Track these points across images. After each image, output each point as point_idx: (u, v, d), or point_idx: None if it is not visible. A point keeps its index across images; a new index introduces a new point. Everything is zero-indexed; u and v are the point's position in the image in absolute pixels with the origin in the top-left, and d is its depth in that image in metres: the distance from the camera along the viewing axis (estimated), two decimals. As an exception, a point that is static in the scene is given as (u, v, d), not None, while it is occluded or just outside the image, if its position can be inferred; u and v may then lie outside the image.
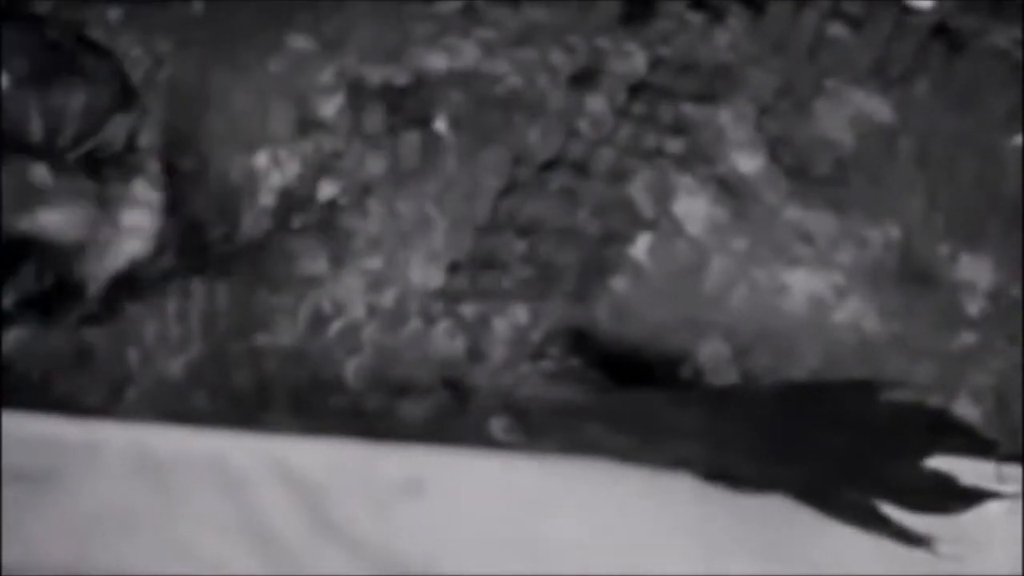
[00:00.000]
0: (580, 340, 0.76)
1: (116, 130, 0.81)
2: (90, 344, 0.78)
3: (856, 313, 0.76)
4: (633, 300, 0.76)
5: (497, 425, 0.76)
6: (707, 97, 0.78)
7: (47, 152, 0.80)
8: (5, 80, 0.82)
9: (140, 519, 0.76)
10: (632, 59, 0.78)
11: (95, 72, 0.83)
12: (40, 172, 0.77)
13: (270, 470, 0.76)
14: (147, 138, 0.80)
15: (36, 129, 0.81)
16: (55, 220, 0.77)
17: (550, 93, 0.78)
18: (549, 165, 0.77)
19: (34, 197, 0.77)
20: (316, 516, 0.75)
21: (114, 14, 0.83)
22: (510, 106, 0.78)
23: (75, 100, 0.81)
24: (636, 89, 0.78)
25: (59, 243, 0.77)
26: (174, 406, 0.77)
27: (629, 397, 0.75)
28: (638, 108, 0.78)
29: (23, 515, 0.76)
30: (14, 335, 0.79)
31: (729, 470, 0.74)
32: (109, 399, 0.78)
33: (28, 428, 0.78)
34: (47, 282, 0.79)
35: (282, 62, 0.80)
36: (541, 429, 0.76)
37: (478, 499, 0.75)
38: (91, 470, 0.76)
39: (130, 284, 0.78)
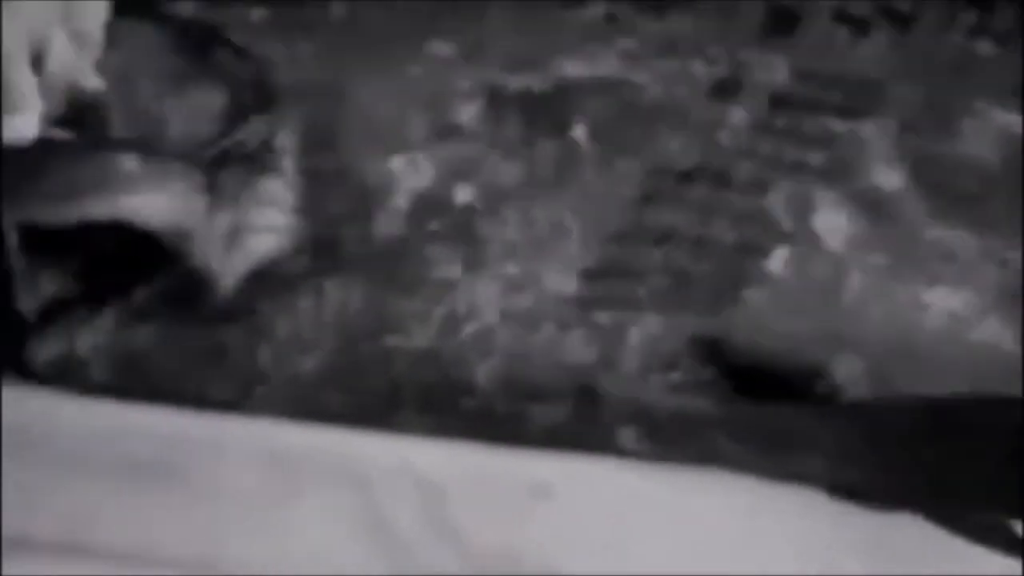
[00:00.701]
0: (713, 351, 0.84)
1: (254, 131, 0.89)
2: (222, 341, 0.87)
3: (994, 333, 0.83)
4: (768, 313, 0.84)
5: (626, 433, 0.84)
6: (850, 111, 0.86)
7: (182, 149, 0.89)
8: (145, 79, 0.91)
9: (265, 515, 0.84)
10: (775, 71, 0.86)
11: (235, 74, 0.91)
12: (131, 161, 0.86)
13: (397, 470, 0.85)
14: (284, 139, 0.89)
15: (175, 127, 0.89)
16: (149, 206, 0.84)
17: (691, 103, 0.87)
18: (687, 175, 0.86)
19: (122, 183, 0.85)
20: (440, 517, 0.84)
21: (256, 16, 0.93)
22: (650, 115, 0.87)
23: (214, 101, 0.90)
24: (778, 101, 0.87)
25: (169, 232, 0.85)
26: (304, 404, 0.86)
27: (760, 409, 0.82)
28: (780, 120, 0.86)
29: (150, 508, 0.85)
30: (147, 330, 0.89)
31: (856, 486, 0.81)
32: (239, 395, 0.87)
33: (158, 422, 0.87)
34: (181, 279, 0.87)
35: (422, 67, 0.89)
36: (670, 439, 0.84)
37: (604, 506, 0.83)
38: (218, 465, 0.86)
39: (263, 282, 0.87)
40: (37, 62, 0.90)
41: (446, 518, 0.86)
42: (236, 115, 0.92)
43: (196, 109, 0.93)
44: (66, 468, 0.90)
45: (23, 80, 0.88)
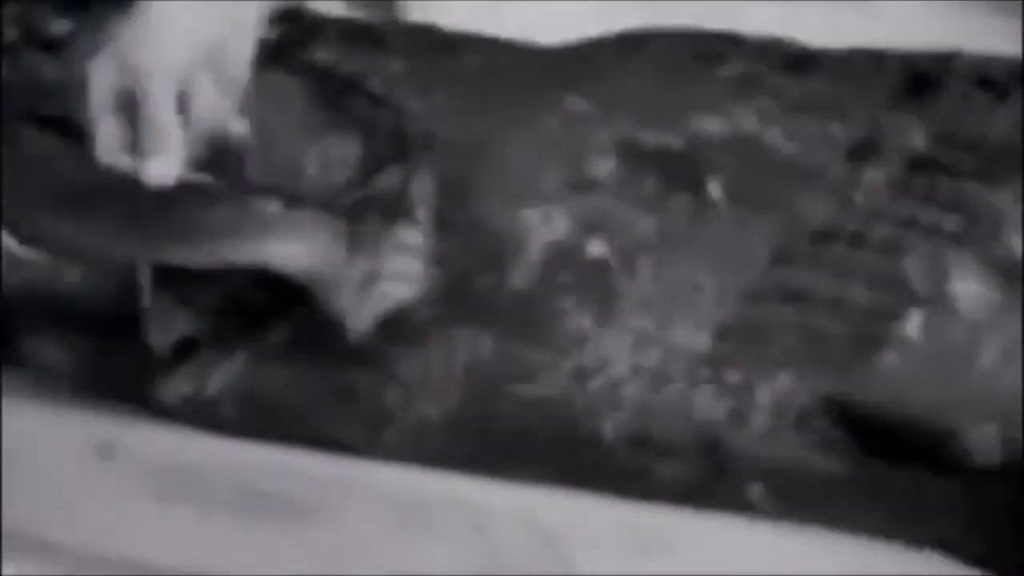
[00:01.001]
0: (844, 412, 0.83)
1: (389, 180, 0.90)
2: (352, 384, 0.87)
3: None
4: (902, 376, 0.83)
5: (754, 491, 0.84)
6: (987, 176, 0.86)
7: (319, 196, 0.89)
8: (283, 126, 0.92)
9: (386, 556, 0.84)
10: (912, 134, 0.86)
11: (372, 123, 0.92)
12: (272, 206, 0.86)
13: (519, 518, 0.85)
14: (419, 188, 0.90)
15: (311, 174, 0.90)
16: (288, 252, 0.85)
17: (827, 164, 0.86)
18: (822, 235, 0.85)
19: (263, 228, 0.85)
20: (559, 567, 0.83)
21: (395, 67, 0.93)
22: (786, 174, 0.87)
23: (350, 150, 0.91)
24: (915, 164, 0.86)
25: (305, 277, 0.86)
26: (430, 449, 0.86)
27: (892, 472, 0.81)
28: (916, 183, 0.85)
29: (275, 544, 0.85)
30: (277, 372, 0.89)
31: (993, 556, 0.79)
32: (367, 438, 0.88)
33: (286, 461, 0.88)
34: (313, 322, 0.88)
35: (558, 121, 0.89)
36: (798, 498, 0.83)
37: (728, 562, 0.82)
38: (343, 506, 0.86)
39: (395, 328, 0.87)
40: (182, 105, 0.91)
41: (565, 568, 0.86)
42: (372, 164, 0.93)
43: (333, 157, 0.94)
44: (194, 503, 0.91)
45: (167, 123, 0.89)
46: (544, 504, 0.87)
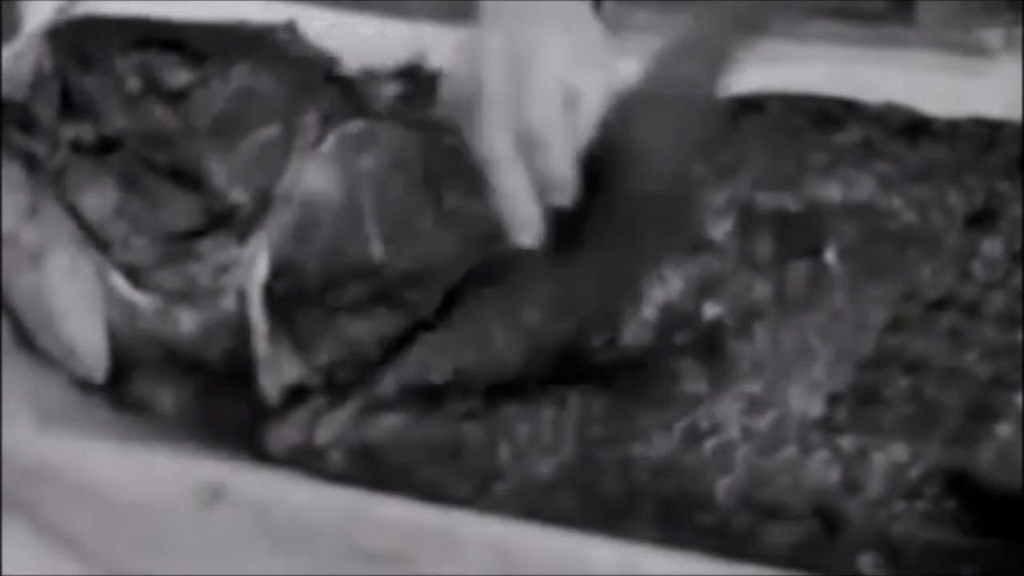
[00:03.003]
0: (959, 482, 0.81)
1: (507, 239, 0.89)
2: (464, 438, 0.86)
3: None
4: (1017, 448, 0.80)
5: (866, 560, 0.82)
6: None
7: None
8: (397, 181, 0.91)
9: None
10: (1033, 205, 0.84)
11: (486, 180, 0.91)
12: None
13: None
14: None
15: (425, 232, 0.89)
16: None
17: (945, 232, 0.85)
18: (939, 304, 0.83)
19: None
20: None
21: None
22: (903, 241, 0.85)
23: (467, 205, 0.91)
24: (1034, 234, 0.84)
25: None
26: (539, 505, 0.85)
27: (1008, 545, 0.79)
28: (1036, 254, 0.84)
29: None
30: (390, 421, 0.88)
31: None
32: (476, 492, 0.86)
33: (393, 512, 0.86)
34: (430, 373, 0.87)
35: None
36: (912, 569, 0.81)
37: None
38: (450, 559, 0.84)
39: (510, 384, 0.86)
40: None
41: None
42: (486, 221, 0.92)
43: (447, 213, 0.93)
44: (299, 550, 0.90)
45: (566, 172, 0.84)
46: (654, 563, 0.85)
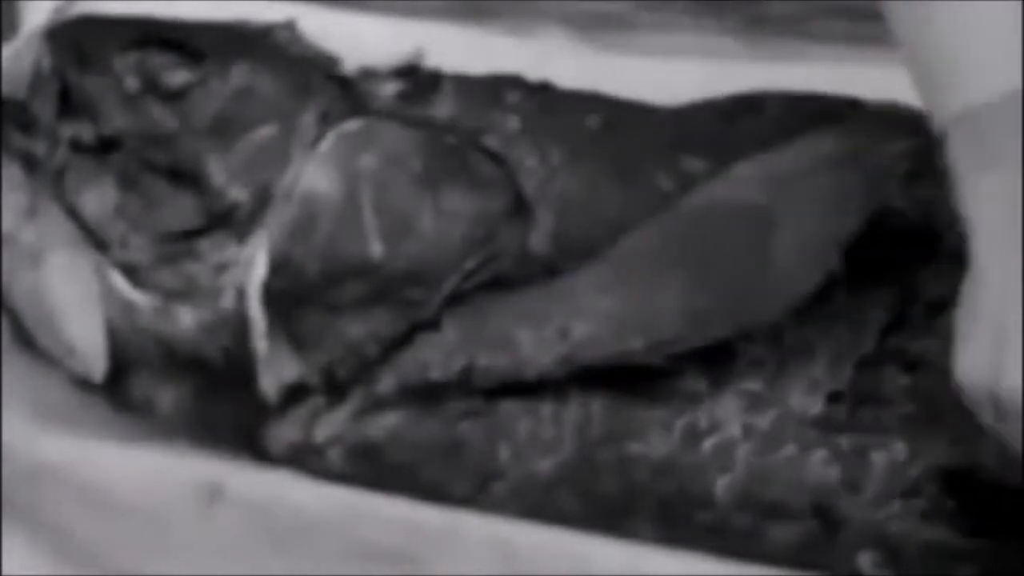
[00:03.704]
0: (959, 481, 0.80)
1: (508, 238, 0.89)
2: (463, 436, 0.86)
3: None
4: (1017, 446, 0.80)
5: (865, 559, 0.82)
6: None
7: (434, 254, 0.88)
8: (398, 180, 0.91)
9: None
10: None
11: (489, 179, 0.91)
12: None
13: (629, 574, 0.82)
14: (536, 246, 0.88)
15: (426, 229, 0.89)
16: None
17: (945, 232, 0.84)
18: (939, 304, 0.82)
19: None
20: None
21: (512, 124, 0.92)
22: (902, 242, 0.84)
23: (467, 205, 0.90)
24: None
25: None
26: (539, 504, 0.84)
27: (1008, 545, 0.79)
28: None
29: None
30: (387, 421, 0.88)
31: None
32: (476, 491, 0.86)
33: (392, 511, 0.86)
34: (424, 372, 0.86)
35: (673, 181, 0.88)
36: (911, 568, 0.80)
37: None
38: (450, 558, 0.84)
39: (507, 382, 0.85)
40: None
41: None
42: (490, 221, 0.92)
43: (447, 212, 0.93)
44: (299, 549, 0.89)
45: None
46: (651, 563, 0.85)
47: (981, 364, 0.74)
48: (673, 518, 0.85)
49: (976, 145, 0.77)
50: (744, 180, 0.89)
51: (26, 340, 0.98)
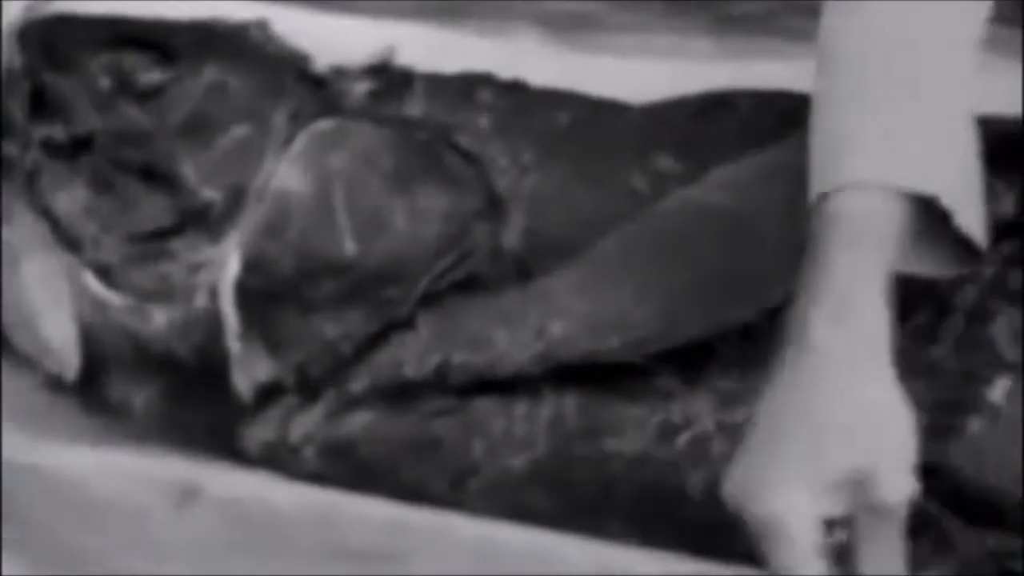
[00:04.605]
0: (931, 477, 0.80)
1: (480, 236, 0.89)
2: (438, 434, 0.86)
3: None
4: (988, 442, 0.81)
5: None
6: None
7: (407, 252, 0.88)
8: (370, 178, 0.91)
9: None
10: (1000, 199, 0.84)
11: (462, 178, 0.91)
12: None
13: (600, 571, 0.81)
14: (508, 244, 0.88)
15: (399, 227, 0.89)
16: None
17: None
18: (910, 301, 0.83)
19: None
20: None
21: (484, 122, 0.92)
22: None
23: (440, 203, 0.90)
24: (1003, 228, 0.83)
25: None
26: (513, 501, 0.84)
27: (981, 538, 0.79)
28: (1004, 249, 0.83)
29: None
30: (361, 419, 0.87)
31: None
32: (452, 489, 0.85)
33: (368, 510, 0.86)
34: (398, 371, 0.86)
35: (644, 179, 0.88)
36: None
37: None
38: (432, 557, 0.84)
39: (482, 380, 0.85)
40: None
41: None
42: (462, 219, 0.92)
43: (420, 210, 0.93)
44: (274, 550, 0.89)
45: None
46: (625, 560, 0.85)
47: (738, 479, 0.74)
48: (647, 514, 0.85)
49: (840, 226, 0.76)
50: (720, 184, 0.89)
51: (3, 342, 0.98)
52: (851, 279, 0.73)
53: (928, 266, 0.79)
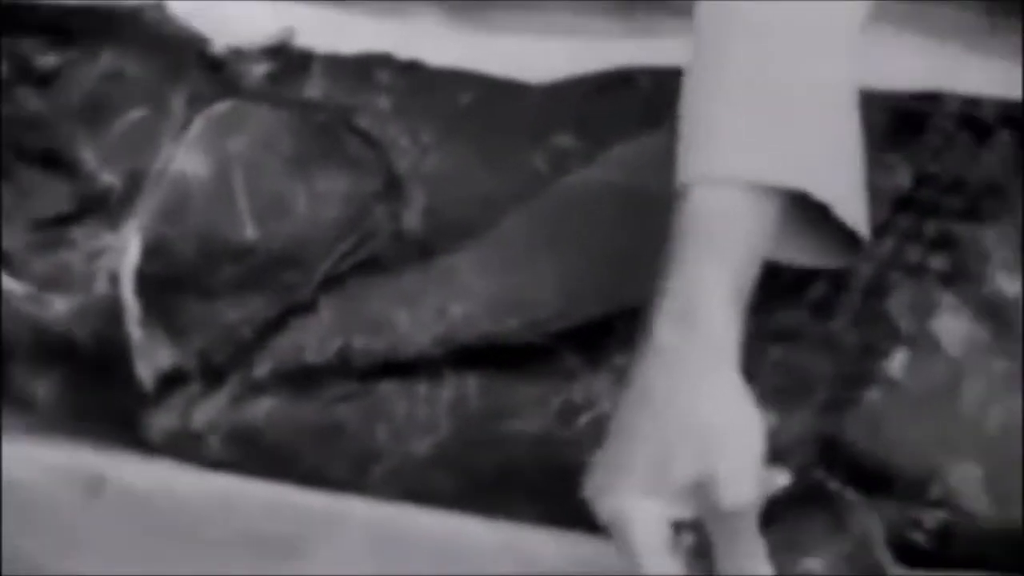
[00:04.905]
0: (828, 450, 0.81)
1: (381, 218, 0.88)
2: (341, 419, 0.85)
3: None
4: (886, 415, 0.82)
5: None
6: (973, 215, 0.84)
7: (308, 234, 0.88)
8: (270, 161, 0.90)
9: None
10: (897, 173, 0.84)
11: (361, 159, 0.91)
12: None
13: (508, 555, 0.82)
14: (409, 226, 0.88)
15: (299, 210, 0.88)
16: None
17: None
18: (807, 275, 0.83)
19: None
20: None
21: (383, 103, 0.91)
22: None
23: (340, 185, 0.89)
24: (900, 203, 0.84)
25: None
26: (418, 485, 0.84)
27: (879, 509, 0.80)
28: (902, 222, 0.83)
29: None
30: (262, 406, 0.87)
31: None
32: (355, 474, 0.85)
33: (273, 496, 0.86)
34: (300, 355, 0.86)
35: (544, 158, 0.88)
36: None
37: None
38: (331, 542, 0.84)
39: (384, 363, 0.85)
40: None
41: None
42: (362, 201, 0.92)
43: (320, 193, 0.92)
44: (179, 538, 0.89)
45: None
46: (532, 541, 0.85)
47: (595, 478, 0.74)
48: (550, 494, 0.86)
49: (691, 223, 0.75)
50: (619, 162, 0.88)
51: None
52: (698, 279, 0.73)
53: (809, 257, 0.78)
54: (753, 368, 0.84)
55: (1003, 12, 0.95)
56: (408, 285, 0.89)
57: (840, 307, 0.87)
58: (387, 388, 0.88)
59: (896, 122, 0.90)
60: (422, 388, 0.88)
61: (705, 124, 0.76)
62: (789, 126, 0.75)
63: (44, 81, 0.96)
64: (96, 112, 0.95)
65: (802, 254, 0.79)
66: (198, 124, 0.94)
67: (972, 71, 0.92)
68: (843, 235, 0.78)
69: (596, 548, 0.84)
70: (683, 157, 0.76)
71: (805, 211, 0.77)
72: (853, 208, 0.77)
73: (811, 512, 0.79)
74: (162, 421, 0.91)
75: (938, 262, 0.87)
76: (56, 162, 0.95)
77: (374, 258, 0.91)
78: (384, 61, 0.96)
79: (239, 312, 0.91)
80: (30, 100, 0.96)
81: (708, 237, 0.74)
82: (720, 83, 0.76)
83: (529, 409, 0.86)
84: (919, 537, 0.82)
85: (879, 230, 0.88)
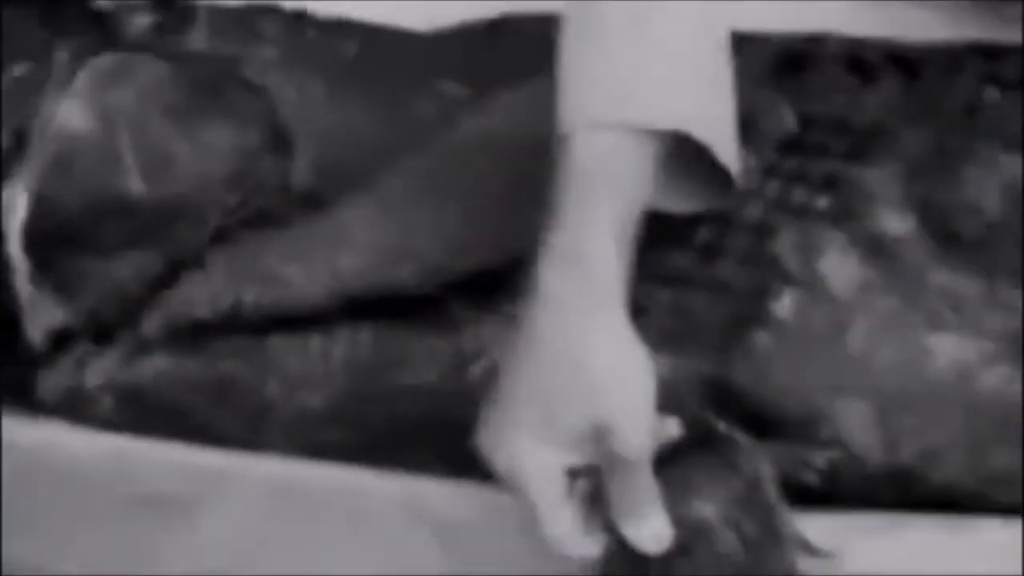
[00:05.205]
0: (718, 392, 0.82)
1: (269, 171, 0.88)
2: (232, 375, 0.85)
3: (1002, 380, 0.81)
4: (775, 356, 0.82)
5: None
6: (857, 156, 0.85)
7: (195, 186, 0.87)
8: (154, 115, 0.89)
9: (273, 550, 0.82)
10: (782, 115, 0.85)
11: (248, 112, 0.90)
12: None
13: (405, 507, 0.82)
14: (298, 178, 0.87)
15: (184, 164, 0.88)
16: None
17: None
18: (695, 218, 0.83)
19: None
20: (450, 554, 0.81)
21: (269, 54, 0.91)
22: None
23: (226, 138, 0.89)
24: (786, 145, 0.84)
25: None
26: (312, 440, 0.84)
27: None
28: (787, 164, 0.84)
29: (158, 539, 0.83)
30: (154, 363, 0.86)
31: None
32: (248, 430, 0.85)
33: (166, 454, 0.85)
34: (190, 311, 0.85)
35: (431, 106, 0.87)
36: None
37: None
38: (227, 499, 0.84)
39: (276, 317, 0.85)
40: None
41: (451, 556, 0.85)
42: (249, 154, 0.91)
43: (206, 146, 0.91)
44: (74, 500, 0.88)
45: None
46: (430, 492, 0.85)
47: (487, 429, 0.74)
48: (445, 445, 0.86)
49: (572, 169, 0.75)
50: (504, 109, 0.88)
51: None
52: (582, 223, 0.73)
53: (683, 202, 0.79)
54: (642, 312, 0.84)
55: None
56: (298, 238, 0.89)
57: (728, 249, 0.87)
58: (279, 342, 0.88)
59: (781, 64, 0.90)
60: (314, 342, 0.88)
61: (583, 70, 0.76)
62: (665, 69, 0.75)
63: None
64: (-23, 68, 0.94)
65: (678, 200, 0.79)
66: (82, 78, 0.92)
67: (861, 11, 0.92)
68: (718, 179, 0.78)
69: (492, 497, 0.84)
70: (563, 104, 0.76)
71: (680, 157, 0.77)
72: (727, 150, 0.77)
73: (702, 455, 0.80)
74: (54, 381, 0.91)
75: (824, 203, 0.87)
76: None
77: (263, 211, 0.91)
78: (270, 12, 0.95)
79: (128, 268, 0.90)
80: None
81: (590, 182, 0.74)
82: (595, 29, 0.76)
83: (421, 360, 0.86)
84: (810, 477, 0.83)
85: (765, 172, 0.88)
